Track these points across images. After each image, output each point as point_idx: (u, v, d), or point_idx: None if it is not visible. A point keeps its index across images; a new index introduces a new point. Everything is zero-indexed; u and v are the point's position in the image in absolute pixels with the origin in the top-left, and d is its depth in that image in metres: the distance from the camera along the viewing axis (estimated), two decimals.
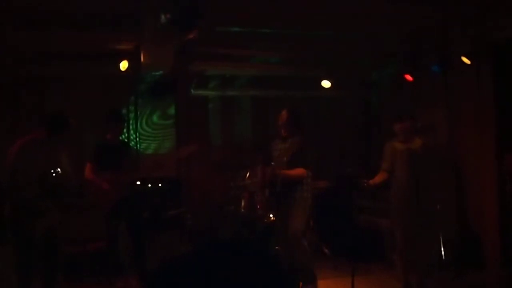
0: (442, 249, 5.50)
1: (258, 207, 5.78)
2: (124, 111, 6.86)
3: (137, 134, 7.00)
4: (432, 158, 5.08)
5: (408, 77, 6.46)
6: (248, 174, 6.08)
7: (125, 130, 6.59)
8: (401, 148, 5.02)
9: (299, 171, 4.78)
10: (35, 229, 4.14)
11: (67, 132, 4.44)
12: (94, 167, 5.10)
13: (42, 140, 4.30)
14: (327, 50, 6.46)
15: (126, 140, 6.60)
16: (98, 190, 5.02)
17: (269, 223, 5.59)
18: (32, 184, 4.10)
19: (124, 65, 5.82)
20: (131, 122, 6.93)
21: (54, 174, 4.22)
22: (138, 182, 5.89)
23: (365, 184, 5.03)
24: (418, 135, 5.11)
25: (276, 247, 5.39)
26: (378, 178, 5.10)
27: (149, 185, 6.31)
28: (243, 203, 5.91)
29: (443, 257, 5.48)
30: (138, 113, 7.02)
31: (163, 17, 4.28)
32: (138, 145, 6.98)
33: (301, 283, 4.70)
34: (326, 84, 6.96)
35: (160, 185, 6.45)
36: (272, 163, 5.01)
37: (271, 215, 5.60)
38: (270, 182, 4.95)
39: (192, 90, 7.28)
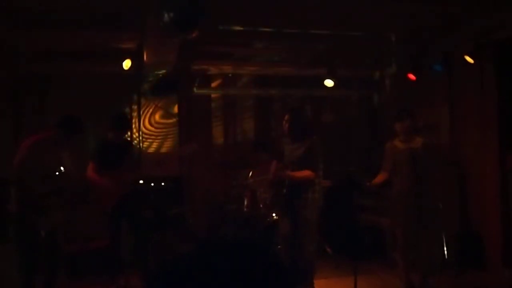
0: (445, 248, 5.49)
1: (261, 206, 5.79)
2: (127, 109, 6.87)
3: (140, 133, 7.01)
4: (433, 157, 5.06)
5: (411, 76, 6.43)
6: (250, 173, 6.09)
7: None
8: (402, 147, 5.00)
9: (306, 173, 4.69)
10: (39, 227, 4.15)
11: (80, 135, 4.48)
12: (97, 166, 5.11)
13: (53, 140, 4.33)
14: (330, 49, 6.46)
15: (128, 139, 6.61)
16: (101, 189, 5.04)
17: (272, 222, 5.59)
18: (38, 182, 4.12)
19: (127, 64, 5.82)
20: (133, 121, 6.94)
21: (57, 173, 4.25)
22: (141, 181, 5.90)
23: (368, 185, 5.04)
24: (419, 134, 5.10)
25: (279, 246, 5.39)
26: (379, 178, 5.10)
27: (152, 184, 6.32)
28: (245, 202, 5.92)
29: (446, 257, 5.47)
30: (141, 112, 7.03)
31: (165, 16, 4.27)
32: (140, 144, 6.98)
33: None
34: (328, 83, 6.94)
35: (162, 184, 6.46)
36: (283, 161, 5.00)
37: (273, 214, 5.60)
38: (277, 182, 4.94)
39: (194, 89, 7.29)
